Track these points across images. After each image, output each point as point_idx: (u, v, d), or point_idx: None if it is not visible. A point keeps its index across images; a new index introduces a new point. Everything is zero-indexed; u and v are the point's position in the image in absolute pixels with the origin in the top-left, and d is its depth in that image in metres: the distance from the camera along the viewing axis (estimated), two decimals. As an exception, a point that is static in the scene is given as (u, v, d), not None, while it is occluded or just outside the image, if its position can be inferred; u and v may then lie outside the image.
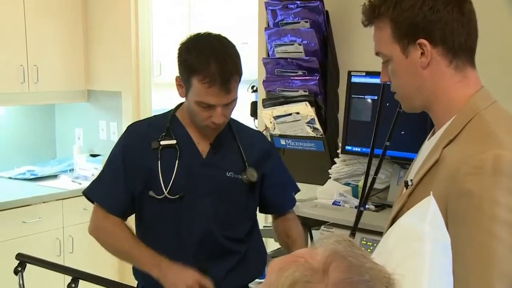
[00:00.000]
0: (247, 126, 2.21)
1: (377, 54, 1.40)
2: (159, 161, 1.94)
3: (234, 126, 2.06)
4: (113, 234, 2.01)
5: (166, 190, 1.93)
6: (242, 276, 2.05)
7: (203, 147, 1.99)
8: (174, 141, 1.97)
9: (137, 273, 2.06)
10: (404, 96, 1.39)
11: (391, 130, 2.12)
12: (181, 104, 2.05)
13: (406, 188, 1.36)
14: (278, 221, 2.20)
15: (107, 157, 2.07)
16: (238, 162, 2.01)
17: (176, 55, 1.91)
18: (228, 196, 1.99)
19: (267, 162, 2.08)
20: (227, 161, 2.00)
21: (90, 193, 2.06)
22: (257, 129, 2.24)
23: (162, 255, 1.92)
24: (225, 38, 1.92)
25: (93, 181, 2.10)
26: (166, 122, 2.00)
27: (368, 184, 2.32)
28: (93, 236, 2.08)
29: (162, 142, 1.96)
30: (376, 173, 2.29)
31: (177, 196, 1.94)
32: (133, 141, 2.01)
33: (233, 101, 1.89)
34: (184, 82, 1.90)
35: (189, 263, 1.93)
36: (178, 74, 1.92)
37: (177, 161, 1.95)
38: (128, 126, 2.08)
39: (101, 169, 2.09)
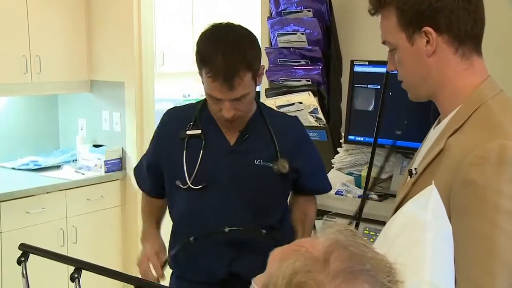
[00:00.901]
0: (280, 112, 2.20)
1: (383, 42, 1.40)
2: (185, 151, 1.96)
3: (265, 113, 2.03)
4: (143, 207, 2.21)
5: (189, 180, 1.94)
6: None
7: (232, 136, 1.98)
8: (199, 131, 1.97)
9: (173, 262, 2.07)
10: (410, 84, 1.39)
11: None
12: None
13: (410, 177, 1.36)
14: (300, 198, 2.16)
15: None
16: (269, 150, 1.98)
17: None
18: (257, 184, 1.95)
19: (301, 153, 2.04)
20: (256, 148, 1.98)
21: (135, 171, 2.25)
22: (291, 115, 2.22)
23: (191, 242, 1.96)
24: (244, 30, 1.88)
25: (140, 159, 2.23)
26: (195, 112, 2.01)
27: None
28: None
29: (189, 132, 1.97)
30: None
31: (200, 186, 1.94)
32: (166, 130, 2.05)
33: (243, 96, 1.85)
34: (200, 73, 1.89)
35: (221, 252, 1.95)
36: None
37: (201, 151, 1.95)
38: (165, 113, 2.13)
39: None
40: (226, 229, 1.90)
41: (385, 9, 1.34)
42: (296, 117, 2.19)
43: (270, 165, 1.96)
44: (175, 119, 2.06)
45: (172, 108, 2.18)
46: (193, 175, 1.94)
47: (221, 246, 1.96)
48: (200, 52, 1.85)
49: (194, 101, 2.18)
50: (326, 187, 2.22)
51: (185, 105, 2.17)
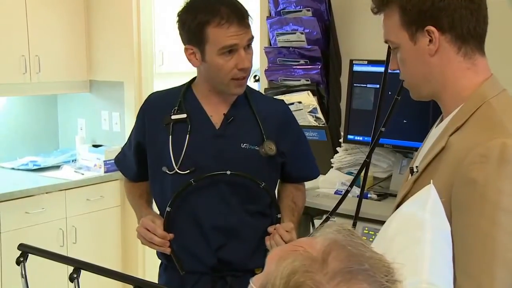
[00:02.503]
0: (266, 96, 2.20)
1: (386, 41, 1.40)
2: (170, 136, 1.95)
3: (250, 96, 2.02)
4: (129, 194, 2.21)
5: (176, 165, 1.93)
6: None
7: (217, 119, 1.97)
8: (184, 115, 1.95)
9: (160, 253, 2.07)
10: (412, 84, 1.39)
11: (387, 117, 2.11)
12: (194, 78, 2.04)
13: (412, 175, 1.36)
14: (289, 185, 2.15)
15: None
16: (255, 133, 1.97)
17: (177, 25, 1.91)
18: (244, 168, 1.93)
19: (287, 136, 2.04)
20: (242, 132, 1.97)
21: (116, 160, 2.27)
22: (277, 98, 2.24)
23: (183, 230, 1.95)
24: None
25: (122, 148, 2.24)
26: (179, 96, 1.99)
27: (363, 170, 2.29)
28: None
29: (173, 117, 1.96)
30: (368, 157, 2.25)
31: (188, 171, 1.93)
32: (150, 114, 2.03)
33: (252, 40, 1.90)
34: (197, 45, 1.88)
35: (209, 238, 1.95)
36: (186, 45, 1.91)
37: (187, 136, 1.94)
38: (148, 97, 2.11)
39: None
40: (228, 172, 1.90)
41: (388, 8, 1.34)
42: (282, 101, 2.21)
43: (257, 148, 1.95)
44: (159, 104, 2.04)
45: (154, 92, 2.17)
46: (180, 161, 1.93)
47: (209, 232, 1.95)
48: (194, 21, 1.86)
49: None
50: (313, 173, 2.21)
51: (168, 89, 2.14)
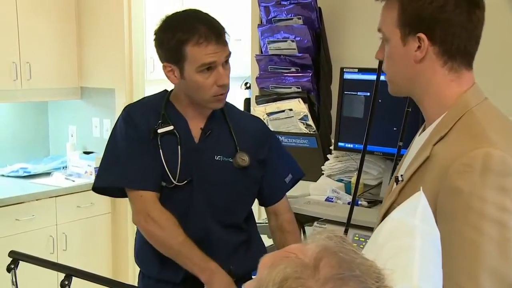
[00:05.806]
0: (244, 112, 2.22)
1: (378, 30, 1.40)
2: (160, 150, 1.93)
3: (227, 110, 2.04)
4: (164, 229, 1.91)
5: (175, 179, 1.92)
6: (244, 266, 2.00)
7: (195, 133, 1.98)
8: (171, 127, 1.95)
9: (140, 261, 2.06)
10: (394, 80, 1.40)
11: (402, 130, 2.13)
12: (168, 91, 2.04)
13: (397, 184, 1.37)
14: (277, 230, 2.16)
15: (100, 154, 2.04)
16: (229, 145, 1.99)
17: (155, 43, 1.93)
18: (218, 180, 1.96)
19: (266, 144, 2.06)
20: (217, 144, 1.98)
21: (107, 181, 1.99)
22: (256, 116, 2.27)
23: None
24: (196, 9, 1.99)
25: (101, 170, 2.02)
26: (161, 108, 1.98)
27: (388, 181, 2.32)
28: (140, 227, 1.96)
29: (160, 130, 1.93)
30: (392, 172, 2.27)
31: (186, 181, 1.93)
32: (135, 130, 1.96)
33: (229, 56, 1.91)
34: (175, 62, 1.89)
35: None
36: (164, 62, 1.92)
37: (179, 147, 1.94)
38: (126, 111, 2.00)
39: (104, 158, 2.05)
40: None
41: (390, 0, 1.35)
42: (259, 118, 2.26)
43: (231, 160, 1.97)
44: (140, 117, 1.97)
45: (130, 106, 2.06)
46: (178, 173, 1.92)
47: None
48: (173, 39, 1.87)
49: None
50: (296, 172, 2.18)
51: (143, 101, 2.10)
